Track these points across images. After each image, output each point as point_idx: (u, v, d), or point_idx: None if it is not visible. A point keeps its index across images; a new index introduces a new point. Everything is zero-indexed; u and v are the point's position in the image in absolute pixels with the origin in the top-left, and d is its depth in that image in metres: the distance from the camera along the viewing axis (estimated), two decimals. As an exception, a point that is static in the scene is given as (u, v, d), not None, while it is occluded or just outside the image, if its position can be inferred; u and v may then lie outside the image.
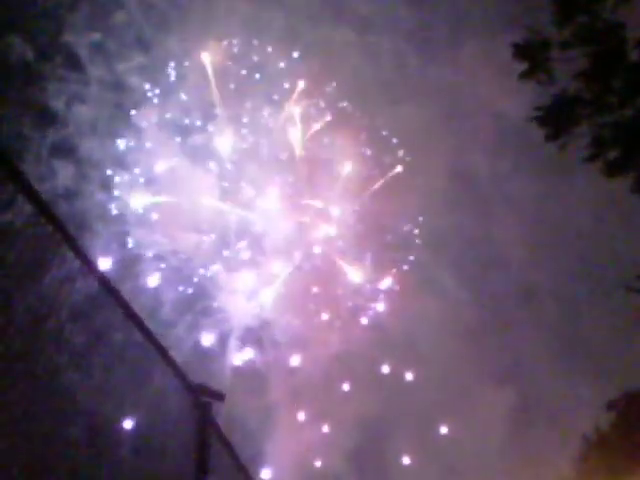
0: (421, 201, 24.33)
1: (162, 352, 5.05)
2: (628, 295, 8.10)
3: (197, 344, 20.87)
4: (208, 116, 25.13)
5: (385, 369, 23.99)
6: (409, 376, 24.02)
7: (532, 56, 6.56)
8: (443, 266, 24.42)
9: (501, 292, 24.54)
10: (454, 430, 22.13)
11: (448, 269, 24.42)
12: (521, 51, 6.59)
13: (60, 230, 3.77)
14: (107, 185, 22.56)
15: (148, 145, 23.56)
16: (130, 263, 20.94)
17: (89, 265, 4.03)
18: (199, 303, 22.31)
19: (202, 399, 5.49)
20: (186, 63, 24.88)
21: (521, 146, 23.23)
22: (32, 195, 3.53)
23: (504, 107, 23.37)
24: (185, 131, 24.70)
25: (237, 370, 21.74)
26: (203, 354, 19.96)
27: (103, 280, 4.17)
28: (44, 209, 3.63)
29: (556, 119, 6.79)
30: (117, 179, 23.22)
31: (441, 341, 22.30)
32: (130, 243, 22.32)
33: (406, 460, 21.99)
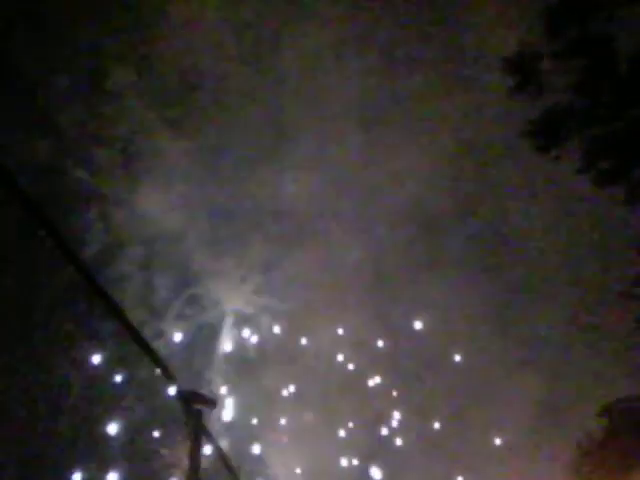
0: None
1: (154, 358, 5.10)
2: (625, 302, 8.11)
3: (185, 333, 20.23)
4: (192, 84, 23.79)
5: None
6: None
7: (523, 69, 6.64)
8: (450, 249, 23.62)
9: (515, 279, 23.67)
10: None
11: (455, 253, 23.64)
12: (511, 65, 6.67)
13: (39, 216, 3.74)
14: (87, 161, 21.41)
15: (128, 116, 22.35)
16: (114, 246, 20.32)
17: (69, 254, 3.99)
18: (187, 289, 21.54)
19: (194, 407, 5.54)
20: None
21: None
22: (7, 181, 3.49)
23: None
24: (167, 101, 23.21)
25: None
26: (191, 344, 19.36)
27: (83, 271, 4.14)
28: (22, 197, 3.59)
29: (548, 131, 6.86)
30: (96, 154, 21.96)
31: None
32: (113, 225, 21.43)
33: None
